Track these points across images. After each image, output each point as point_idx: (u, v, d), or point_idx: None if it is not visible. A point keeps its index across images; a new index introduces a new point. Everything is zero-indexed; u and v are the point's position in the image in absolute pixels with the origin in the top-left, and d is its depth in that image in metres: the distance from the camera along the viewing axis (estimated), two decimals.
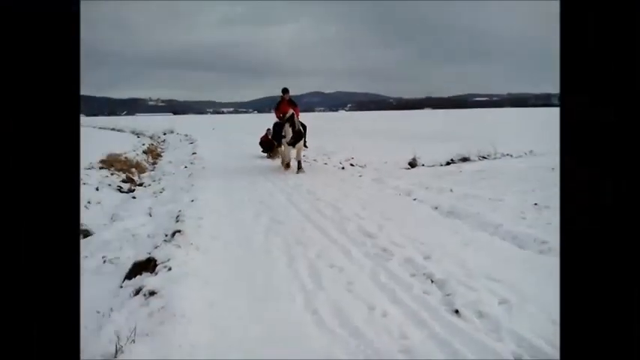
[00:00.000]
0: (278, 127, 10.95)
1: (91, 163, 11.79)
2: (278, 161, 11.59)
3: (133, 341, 2.70)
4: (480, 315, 3.04)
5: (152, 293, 3.48)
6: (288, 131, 10.01)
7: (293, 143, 10.13)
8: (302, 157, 10.83)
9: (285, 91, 11.11)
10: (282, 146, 10.79)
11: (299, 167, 10.41)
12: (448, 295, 3.35)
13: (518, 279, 3.57)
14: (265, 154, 14.19)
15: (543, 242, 4.44)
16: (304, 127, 10.60)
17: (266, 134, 14.30)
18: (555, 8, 1.79)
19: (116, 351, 2.64)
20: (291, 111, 10.22)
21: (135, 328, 2.81)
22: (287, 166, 10.80)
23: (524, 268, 3.84)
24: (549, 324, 2.85)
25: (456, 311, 3.11)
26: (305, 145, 10.91)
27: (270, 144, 13.68)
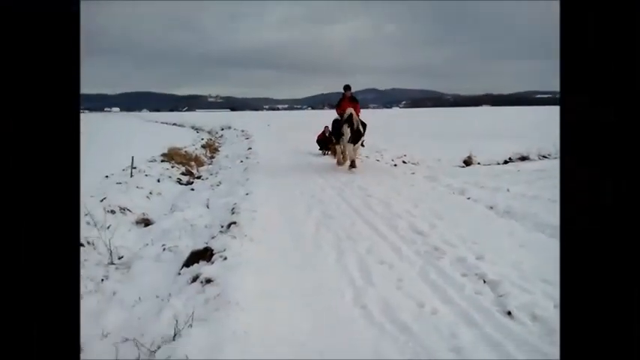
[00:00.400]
0: (337, 124, 10.69)
1: (153, 156, 12.42)
2: (331, 158, 11.63)
3: (191, 325, 2.85)
4: (534, 318, 2.95)
5: (208, 281, 3.66)
6: (347, 131, 9.85)
7: (352, 141, 10.00)
8: (357, 155, 10.62)
9: (346, 88, 10.80)
10: (340, 144, 10.62)
11: (352, 165, 10.25)
12: (501, 296, 3.28)
13: None
14: (321, 152, 14.09)
15: None
16: (364, 125, 10.40)
17: (323, 132, 14.13)
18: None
19: (175, 334, 2.80)
20: (349, 110, 9.99)
21: (193, 314, 2.96)
22: (347, 164, 10.54)
23: None
24: None
25: (509, 313, 3.04)
26: (362, 144, 10.78)
27: (327, 141, 13.58)
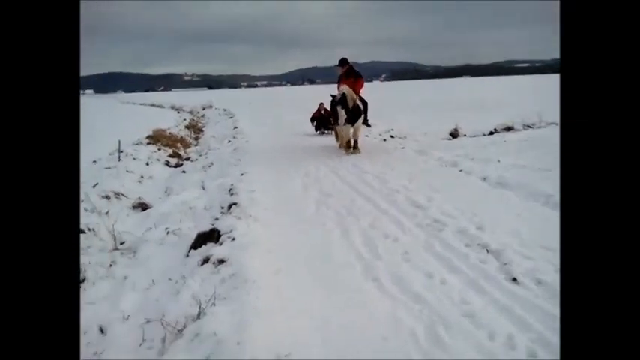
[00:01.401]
0: (334, 105, 9.49)
1: (138, 139, 12.28)
2: (325, 138, 11.42)
3: (214, 304, 2.94)
4: (539, 282, 3.13)
5: (221, 261, 3.74)
6: (341, 113, 9.01)
7: (351, 122, 9.17)
8: (358, 136, 9.59)
9: (342, 62, 9.67)
10: (339, 127, 9.63)
11: (354, 147, 9.35)
12: (505, 264, 3.44)
13: None
14: (317, 132, 13.03)
15: None
16: (365, 103, 9.57)
17: (319, 109, 13.22)
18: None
19: (199, 312, 2.89)
20: (342, 89, 9.15)
21: (214, 292, 3.05)
22: (347, 146, 9.51)
23: None
24: None
25: (514, 279, 3.21)
26: (367, 124, 9.89)
27: (323, 120, 12.71)
